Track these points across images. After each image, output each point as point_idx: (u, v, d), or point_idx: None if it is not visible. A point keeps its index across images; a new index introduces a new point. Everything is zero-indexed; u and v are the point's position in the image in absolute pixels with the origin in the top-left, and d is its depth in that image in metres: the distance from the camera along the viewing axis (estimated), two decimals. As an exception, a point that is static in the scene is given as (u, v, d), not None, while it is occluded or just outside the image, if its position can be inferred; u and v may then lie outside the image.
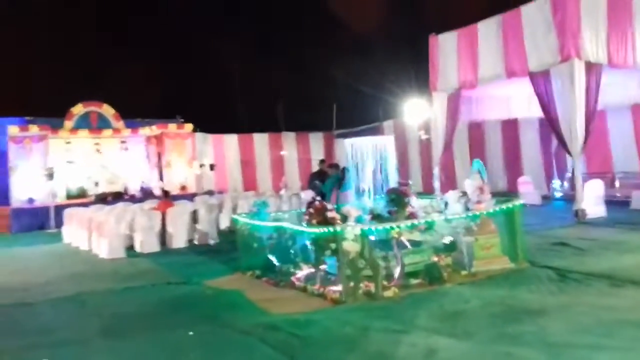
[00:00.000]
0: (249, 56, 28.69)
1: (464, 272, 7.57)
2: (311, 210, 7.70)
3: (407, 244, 7.39)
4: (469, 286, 6.95)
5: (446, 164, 17.76)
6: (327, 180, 9.58)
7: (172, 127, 21.82)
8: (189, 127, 22.06)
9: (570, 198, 15.41)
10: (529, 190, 15.82)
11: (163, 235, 12.19)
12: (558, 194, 16.73)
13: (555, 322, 5.28)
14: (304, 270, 8.17)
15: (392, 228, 6.85)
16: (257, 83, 28.73)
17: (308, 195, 8.53)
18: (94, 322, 6.39)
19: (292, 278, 7.89)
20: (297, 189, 18.62)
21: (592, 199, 12.29)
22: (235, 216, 9.27)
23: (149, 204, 14.76)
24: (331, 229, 6.62)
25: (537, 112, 16.53)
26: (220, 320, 6.03)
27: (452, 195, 8.18)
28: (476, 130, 19.47)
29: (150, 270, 9.68)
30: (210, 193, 20.07)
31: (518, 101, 16.73)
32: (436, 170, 8.98)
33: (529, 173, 17.49)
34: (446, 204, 8.26)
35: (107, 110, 21.68)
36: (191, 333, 5.61)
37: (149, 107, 23.48)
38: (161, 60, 28.52)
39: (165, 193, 14.59)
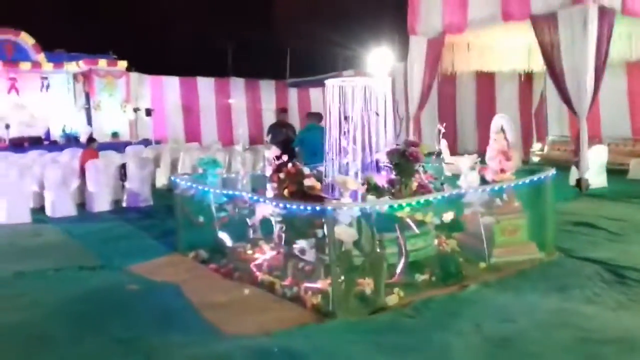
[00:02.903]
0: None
1: (482, 264, 5.69)
2: (281, 175, 5.57)
3: (414, 226, 5.35)
4: (500, 288, 5.05)
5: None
6: (305, 132, 7.39)
7: (102, 63, 18.86)
8: (122, 64, 19.15)
9: (550, 164, 13.92)
10: (507, 154, 14.10)
11: (83, 194, 9.76)
12: (536, 159, 15.17)
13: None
14: (267, 253, 6.10)
15: (401, 207, 4.80)
16: (203, 21, 25.67)
17: (272, 153, 6.31)
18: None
19: (252, 265, 5.79)
20: (247, 144, 16.31)
21: (594, 168, 10.66)
22: (175, 177, 6.97)
23: (67, 153, 12.16)
24: (317, 206, 4.48)
25: (519, 66, 14.98)
26: (144, 347, 3.87)
27: (465, 162, 6.19)
28: (447, 84, 17.53)
29: (58, 245, 7.34)
30: (146, 142, 17.43)
31: (497, 51, 14.76)
32: (441, 128, 6.96)
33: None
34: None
35: (26, 40, 18.45)
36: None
37: (77, 39, 20.11)
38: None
39: (90, 140, 12.00)
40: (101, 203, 9.53)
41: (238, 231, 6.43)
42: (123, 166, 10.18)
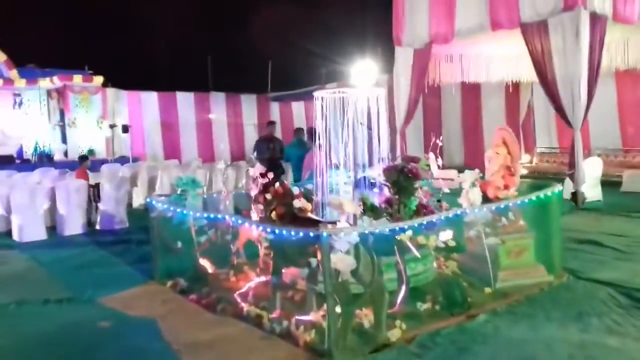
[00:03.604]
0: (172, 3, 24.93)
1: (488, 290, 5.22)
2: (268, 195, 5.07)
3: (415, 250, 4.87)
4: (511, 318, 4.59)
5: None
6: (291, 147, 6.89)
7: (77, 79, 18.24)
8: (98, 80, 18.54)
9: (540, 176, 13.65)
10: (496, 167, 13.74)
11: (54, 217, 9.14)
12: (525, 171, 14.84)
13: None
14: (251, 279, 5.57)
15: (403, 230, 4.33)
16: (182, 34, 25.16)
17: (257, 170, 5.82)
18: None
19: (236, 295, 5.25)
20: (229, 160, 15.73)
21: (589, 180, 10.31)
22: (151, 198, 6.42)
23: (37, 172, 11.51)
24: (311, 232, 3.98)
25: (505, 76, 14.67)
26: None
27: (468, 177, 5.74)
28: (432, 96, 17.17)
29: (25, 274, 6.72)
30: (123, 160, 16.76)
31: (483, 62, 14.42)
32: (437, 141, 6.52)
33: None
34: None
35: (-3, 56, 17.82)
36: None
37: (51, 55, 19.48)
38: None
39: (82, 159, 11.29)
40: (73, 226, 8.90)
41: (220, 257, 5.91)
42: (96, 186, 9.56)
